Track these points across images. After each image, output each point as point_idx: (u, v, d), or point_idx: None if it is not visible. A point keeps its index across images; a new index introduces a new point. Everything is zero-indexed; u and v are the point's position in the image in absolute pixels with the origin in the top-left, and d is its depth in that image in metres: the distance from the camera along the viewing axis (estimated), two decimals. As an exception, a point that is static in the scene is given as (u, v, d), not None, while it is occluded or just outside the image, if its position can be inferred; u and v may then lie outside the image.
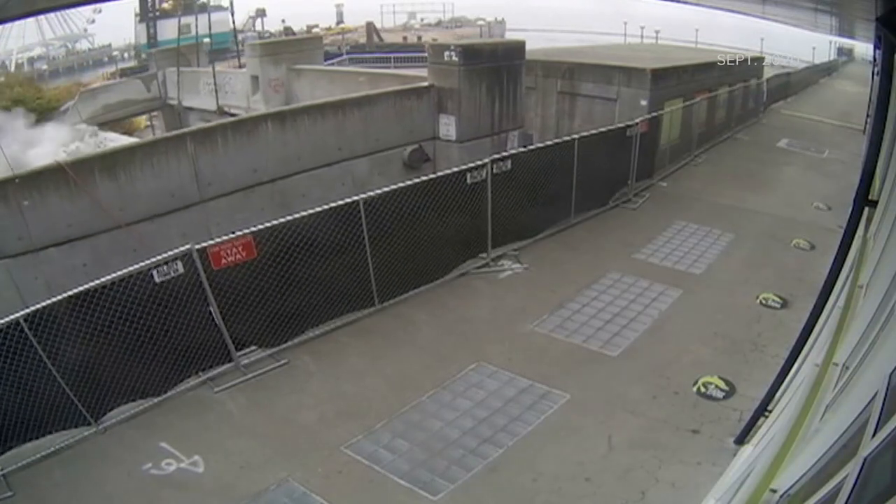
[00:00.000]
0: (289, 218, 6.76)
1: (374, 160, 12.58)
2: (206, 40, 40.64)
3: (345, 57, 39.06)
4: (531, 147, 10.25)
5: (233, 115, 18.54)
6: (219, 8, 45.84)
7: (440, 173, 8.05)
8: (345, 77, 16.88)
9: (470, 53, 13.26)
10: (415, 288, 8.10)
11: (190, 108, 22.19)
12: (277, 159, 10.89)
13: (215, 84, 20.42)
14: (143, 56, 42.10)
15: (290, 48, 19.29)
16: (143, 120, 26.37)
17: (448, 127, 13.53)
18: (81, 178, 8.60)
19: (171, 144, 9.81)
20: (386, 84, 14.05)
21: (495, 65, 13.77)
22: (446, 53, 13.31)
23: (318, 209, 6.97)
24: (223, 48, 45.33)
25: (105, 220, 8.83)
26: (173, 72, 22.76)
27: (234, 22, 36.88)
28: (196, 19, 27.71)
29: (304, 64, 18.37)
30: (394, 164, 12.93)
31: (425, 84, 13.43)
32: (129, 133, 25.09)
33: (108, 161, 9.17)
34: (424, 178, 7.87)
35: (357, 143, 12.13)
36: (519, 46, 15.00)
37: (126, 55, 42.23)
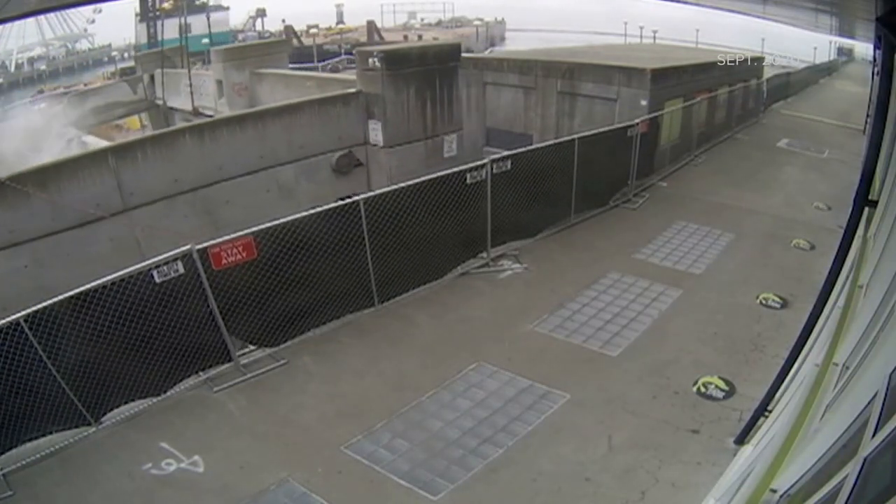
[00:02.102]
0: (289, 218, 6.77)
1: (301, 167, 12.80)
2: (206, 41, 40.69)
3: (343, 57, 39.09)
4: (531, 147, 10.24)
5: (208, 115, 18.87)
6: (218, 8, 45.89)
7: (440, 173, 8.03)
8: (299, 81, 17.11)
9: (394, 59, 13.26)
10: (415, 288, 8.10)
11: (174, 109, 22.47)
12: (198, 170, 11.33)
13: (191, 86, 20.68)
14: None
15: (255, 52, 19.51)
16: (136, 121, 26.43)
17: (376, 132, 13.59)
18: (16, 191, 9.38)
19: (94, 159, 10.54)
20: (333, 88, 14.23)
21: (425, 69, 13.73)
22: (370, 59, 13.32)
23: (319, 209, 6.97)
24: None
25: (42, 227, 9.61)
26: (159, 73, 22.91)
27: (209, 26, 36.99)
28: (181, 20, 27.56)
29: (269, 67, 18.62)
30: (322, 170, 13.11)
31: (353, 90, 13.48)
32: (127, 131, 25.20)
33: (40, 175, 9.88)
34: (424, 178, 7.85)
35: (280, 150, 12.40)
36: (452, 49, 14.95)
37: (126, 55, 42.25)
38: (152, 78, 23.77)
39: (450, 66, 14.40)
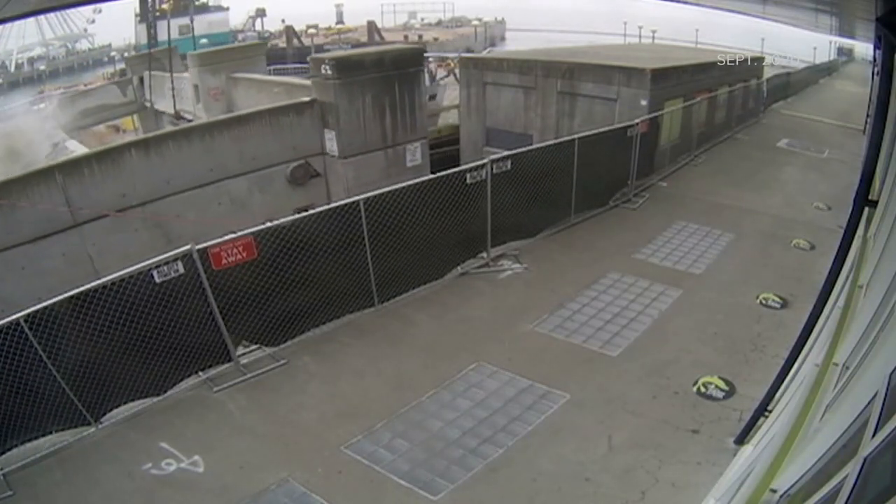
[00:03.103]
0: (289, 218, 6.77)
1: (253, 179, 12.61)
2: (204, 41, 40.69)
3: None
4: (531, 147, 10.24)
5: (188, 120, 18.75)
6: (218, 8, 45.88)
7: (441, 173, 8.03)
8: (270, 86, 16.87)
9: (346, 66, 12.82)
10: (415, 288, 8.11)
11: (161, 112, 22.39)
12: (145, 184, 11.31)
13: (173, 89, 20.50)
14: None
15: (230, 56, 19.22)
16: (130, 122, 26.45)
17: (332, 142, 13.22)
18: None
19: (43, 176, 10.57)
20: (301, 94, 13.94)
21: (382, 75, 13.25)
22: (323, 67, 12.86)
23: (318, 209, 6.97)
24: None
25: None
26: (149, 76, 22.79)
27: (192, 28, 36.80)
28: (169, 21, 27.49)
29: (246, 71, 18.41)
30: (277, 181, 12.89)
31: (307, 99, 13.15)
32: (124, 132, 25.20)
33: None
34: (424, 178, 7.86)
35: (230, 163, 12.22)
36: (414, 53, 14.47)
37: (126, 55, 42.24)
38: (142, 80, 23.65)
39: (411, 71, 13.83)
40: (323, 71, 12.93)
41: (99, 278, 5.54)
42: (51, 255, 10.24)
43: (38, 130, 21.78)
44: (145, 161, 11.35)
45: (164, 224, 11.28)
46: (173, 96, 20.49)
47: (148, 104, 23.12)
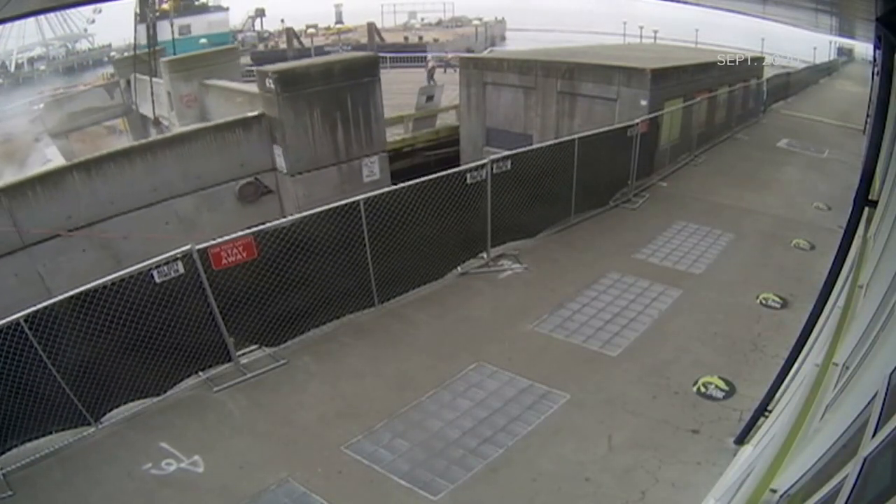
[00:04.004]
0: (289, 218, 6.78)
1: (201, 197, 12.36)
2: (204, 41, 40.61)
3: None
4: (531, 147, 10.23)
5: (166, 126, 18.46)
6: (218, 8, 45.83)
7: (441, 173, 8.03)
8: (234, 95, 16.48)
9: (290, 79, 12.27)
10: (415, 288, 8.10)
11: (145, 116, 22.12)
12: (89, 205, 11.25)
13: (152, 94, 20.13)
14: (143, 57, 42.11)
15: (202, 62, 18.72)
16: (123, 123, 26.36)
17: (280, 159, 12.77)
18: None
19: None
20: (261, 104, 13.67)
21: (331, 87, 12.66)
22: (266, 80, 12.34)
23: (319, 209, 6.97)
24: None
25: None
26: (135, 79, 22.52)
27: (172, 33, 36.47)
28: (148, 25, 27.14)
29: (220, 77, 18.00)
30: (226, 199, 12.61)
31: (254, 113, 12.75)
32: (120, 134, 25.16)
33: None
34: (424, 178, 7.85)
35: (175, 182, 12.04)
36: (366, 62, 13.68)
37: (126, 55, 42.22)
38: (129, 83, 23.39)
39: (364, 81, 13.15)
40: (267, 85, 12.39)
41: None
42: (4, 276, 10.34)
43: (26, 134, 21.72)
44: (87, 183, 11.27)
45: (111, 244, 11.29)
46: (152, 102, 20.13)
47: (135, 107, 22.93)
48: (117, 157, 11.72)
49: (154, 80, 20.53)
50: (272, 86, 12.25)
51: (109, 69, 41.34)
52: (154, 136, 18.81)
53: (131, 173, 11.67)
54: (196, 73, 17.99)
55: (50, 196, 10.93)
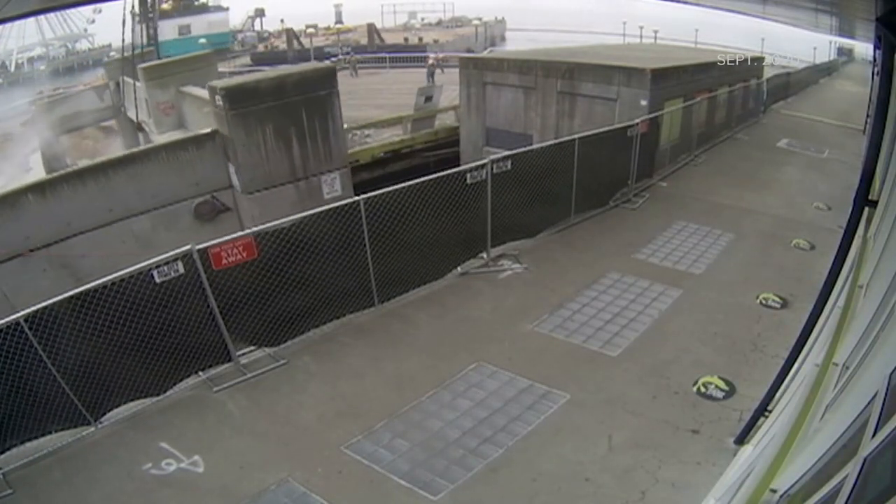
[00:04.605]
0: (289, 218, 6.77)
1: (157, 216, 12.22)
2: (203, 41, 40.53)
3: (341, 57, 39.14)
4: (531, 147, 10.23)
5: (148, 131, 18.25)
6: (218, 8, 45.82)
7: (441, 173, 8.03)
8: (204, 104, 15.95)
9: (239, 95, 11.82)
10: (415, 288, 8.10)
11: (132, 120, 21.92)
12: (46, 227, 11.21)
13: (135, 99, 19.79)
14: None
15: (179, 69, 18.25)
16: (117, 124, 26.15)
17: (234, 177, 12.47)
18: None
19: None
20: None
21: (284, 102, 12.21)
22: (216, 97, 11.94)
23: (319, 209, 6.97)
24: (223, 48, 45.26)
25: None
26: (123, 82, 22.24)
27: (178, 28, 35.99)
28: (124, 24, 26.71)
29: (196, 84, 17.54)
30: (183, 218, 12.44)
31: (207, 131, 12.47)
32: (117, 134, 25.06)
33: None
34: (424, 178, 7.85)
35: (131, 201, 11.93)
36: (322, 75, 13.09)
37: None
38: (118, 85, 23.17)
39: (320, 94, 12.62)
40: (216, 101, 12.00)
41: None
42: None
43: (18, 138, 21.60)
44: (43, 204, 11.23)
45: (71, 264, 11.30)
46: (136, 107, 19.85)
47: (123, 110, 22.69)
48: (70, 179, 11.65)
49: (137, 83, 20.25)
50: (221, 102, 11.86)
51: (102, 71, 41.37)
52: (140, 142, 18.66)
53: (85, 194, 11.60)
54: (172, 80, 17.53)
55: (6, 217, 10.92)
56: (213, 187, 12.56)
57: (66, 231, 11.37)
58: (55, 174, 12.23)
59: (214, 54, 22.21)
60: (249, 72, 37.98)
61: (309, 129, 12.71)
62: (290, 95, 12.45)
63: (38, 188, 11.41)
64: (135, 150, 12.75)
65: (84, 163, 18.15)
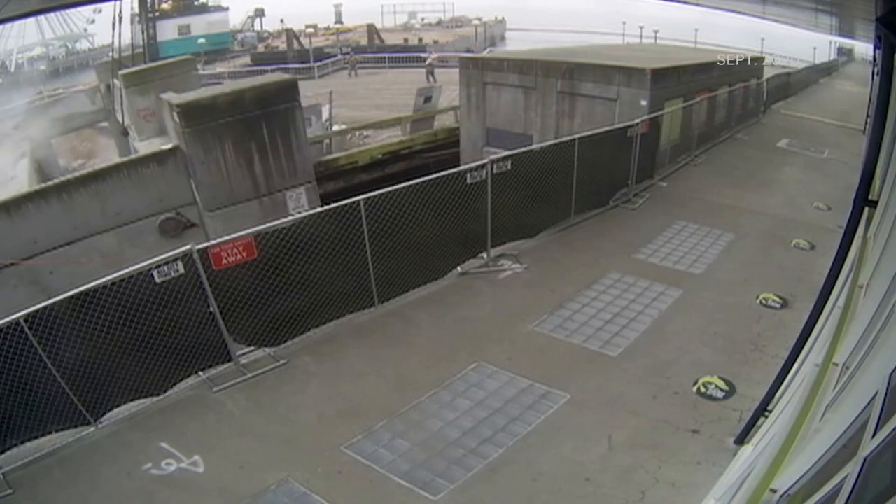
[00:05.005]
0: (289, 218, 6.78)
1: (122, 233, 12.09)
2: (202, 41, 40.47)
3: (340, 57, 39.15)
4: (531, 147, 10.23)
5: (132, 136, 18.00)
6: (218, 8, 45.82)
7: (441, 173, 8.03)
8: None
9: (195, 112, 11.57)
10: (415, 288, 8.10)
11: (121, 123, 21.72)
12: (13, 245, 11.13)
13: (122, 103, 19.33)
14: (123, 61, 42.08)
15: (158, 75, 17.85)
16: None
17: (195, 194, 12.35)
18: None
19: None
20: None
21: (243, 117, 11.92)
22: (172, 113, 11.77)
23: (319, 209, 6.97)
24: (223, 48, 45.29)
25: None
26: (113, 84, 22.10)
27: (177, 28, 35.36)
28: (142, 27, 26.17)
29: (176, 90, 16.81)
30: (149, 234, 12.31)
31: (167, 147, 12.34)
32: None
33: None
34: (424, 178, 7.85)
35: (94, 219, 11.83)
36: (283, 87, 12.64)
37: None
38: (108, 88, 22.80)
39: (281, 108, 12.25)
40: (173, 118, 11.78)
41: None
42: None
43: (9, 142, 21.37)
44: (9, 223, 11.15)
45: (40, 280, 11.28)
46: (122, 112, 19.50)
47: (113, 113, 22.60)
48: (34, 198, 11.55)
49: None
50: (177, 119, 11.67)
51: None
52: (130, 146, 18.43)
53: (50, 213, 11.53)
54: (152, 87, 17.14)
55: None
56: (177, 203, 12.38)
57: (33, 249, 11.35)
58: (17, 194, 12.05)
59: (193, 61, 21.73)
60: (249, 72, 37.98)
61: (271, 145, 12.44)
62: (249, 110, 12.20)
63: (2, 207, 11.35)
64: (96, 168, 12.56)
65: (79, 164, 17.97)
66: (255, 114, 12.18)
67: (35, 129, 22.18)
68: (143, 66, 20.67)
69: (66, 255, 11.61)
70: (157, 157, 12.25)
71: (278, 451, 5.57)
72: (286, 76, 13.23)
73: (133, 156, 12.82)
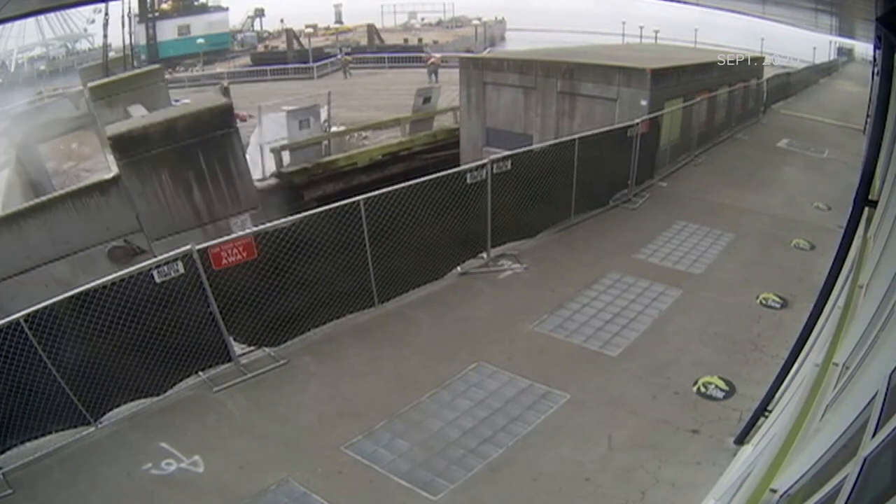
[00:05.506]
0: (289, 219, 6.78)
1: (73, 261, 12.14)
2: (201, 41, 40.38)
3: (339, 57, 39.18)
4: (531, 147, 10.23)
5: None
6: (218, 8, 45.81)
7: (441, 173, 8.03)
8: None
9: (126, 144, 11.55)
10: (415, 288, 8.10)
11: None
12: None
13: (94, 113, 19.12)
14: (143, 57, 42.08)
15: (125, 87, 17.74)
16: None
17: (139, 222, 12.36)
18: None
19: None
20: None
21: (177, 146, 11.86)
22: (109, 143, 11.73)
23: (318, 209, 6.97)
24: (223, 49, 45.29)
25: None
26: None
27: (177, 28, 35.02)
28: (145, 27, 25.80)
29: (144, 103, 17.19)
30: (99, 261, 12.37)
31: (109, 176, 12.28)
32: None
33: None
34: (425, 178, 7.85)
35: (45, 249, 11.91)
36: (218, 113, 12.56)
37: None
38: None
39: (216, 134, 12.16)
40: (111, 149, 11.79)
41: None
42: None
43: None
44: None
45: (3, 306, 11.41)
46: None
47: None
48: None
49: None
50: (112, 151, 11.67)
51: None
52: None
53: (2, 243, 11.61)
54: (120, 99, 17.01)
55: None
56: (124, 230, 12.43)
57: None
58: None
59: (160, 71, 21.36)
60: (249, 72, 37.93)
61: (209, 172, 12.39)
62: (183, 139, 12.13)
63: None
64: (42, 199, 12.60)
65: (69, 166, 17.79)
66: (189, 142, 12.13)
67: (21, 135, 21.94)
68: (111, 79, 20.41)
69: (24, 283, 11.72)
70: (100, 187, 12.23)
71: (278, 451, 5.56)
72: (221, 101, 12.96)
73: (76, 186, 12.83)
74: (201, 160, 12.23)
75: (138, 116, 14.15)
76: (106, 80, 20.46)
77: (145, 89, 17.78)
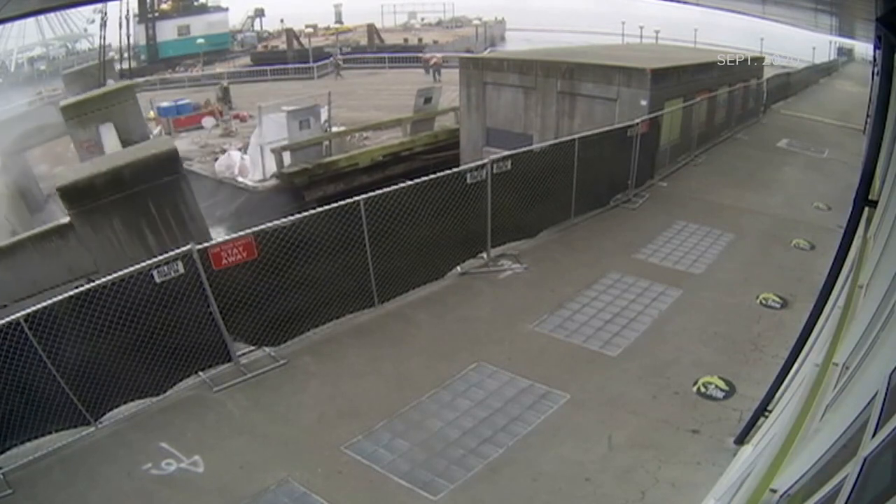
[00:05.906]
0: (289, 218, 6.78)
1: (42, 300, 12.23)
2: (201, 41, 40.37)
3: (339, 56, 39.20)
4: (531, 147, 10.23)
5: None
6: (218, 9, 45.82)
7: (441, 173, 8.02)
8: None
9: (74, 194, 11.58)
10: (415, 288, 8.10)
11: None
12: None
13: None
14: (143, 58, 42.09)
15: (97, 105, 17.63)
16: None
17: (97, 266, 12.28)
18: None
19: None
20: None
21: (125, 194, 11.94)
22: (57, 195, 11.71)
23: (318, 209, 6.97)
24: (223, 49, 45.27)
25: None
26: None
27: (177, 28, 34.85)
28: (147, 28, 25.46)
29: (116, 121, 17.05)
30: None
31: (65, 222, 12.35)
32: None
33: None
34: (425, 178, 7.85)
35: (12, 289, 11.90)
36: (162, 159, 12.68)
37: (125, 56, 42.16)
38: None
39: (164, 181, 12.19)
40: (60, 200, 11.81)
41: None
42: None
43: None
44: None
45: None
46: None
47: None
48: None
49: None
50: (62, 202, 11.74)
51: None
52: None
53: None
54: (92, 118, 16.88)
55: None
56: (86, 271, 12.45)
57: None
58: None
59: (131, 88, 21.12)
60: (249, 72, 37.89)
61: (161, 218, 12.47)
62: (129, 187, 12.20)
63: None
64: (3, 243, 12.73)
65: (60, 170, 17.72)
66: (138, 189, 12.20)
67: (5, 143, 21.76)
68: (82, 98, 20.28)
69: None
70: (59, 231, 12.34)
71: (278, 451, 5.56)
72: (165, 147, 12.98)
73: (36, 230, 12.94)
74: (151, 206, 12.34)
75: (87, 164, 14.04)
76: (76, 99, 20.21)
77: (117, 107, 17.65)
